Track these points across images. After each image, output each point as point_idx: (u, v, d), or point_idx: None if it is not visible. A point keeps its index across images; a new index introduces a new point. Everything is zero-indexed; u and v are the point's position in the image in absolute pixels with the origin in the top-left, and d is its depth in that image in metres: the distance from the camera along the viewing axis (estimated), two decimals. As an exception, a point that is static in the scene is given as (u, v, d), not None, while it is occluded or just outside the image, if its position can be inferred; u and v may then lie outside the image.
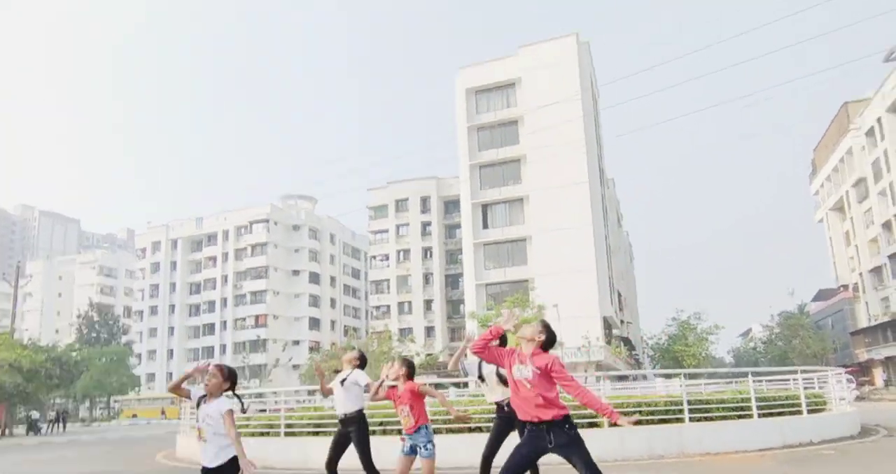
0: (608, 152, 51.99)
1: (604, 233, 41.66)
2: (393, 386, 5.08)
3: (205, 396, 4.17)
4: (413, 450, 4.93)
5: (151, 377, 70.28)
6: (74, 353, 53.04)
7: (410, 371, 5.12)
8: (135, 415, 50.48)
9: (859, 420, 12.24)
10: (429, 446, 4.90)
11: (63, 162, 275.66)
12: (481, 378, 5.37)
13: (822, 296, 64.34)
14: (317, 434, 10.62)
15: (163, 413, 48.84)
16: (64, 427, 35.37)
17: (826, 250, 63.45)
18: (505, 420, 5.13)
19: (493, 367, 5.02)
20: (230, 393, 4.22)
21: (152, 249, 74.81)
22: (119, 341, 59.72)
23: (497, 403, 5.30)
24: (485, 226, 43.22)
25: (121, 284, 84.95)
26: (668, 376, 29.30)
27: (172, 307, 72.42)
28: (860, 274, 53.33)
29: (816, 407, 11.49)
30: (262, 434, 11.12)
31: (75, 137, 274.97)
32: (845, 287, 57.92)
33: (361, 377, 5.62)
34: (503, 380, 4.89)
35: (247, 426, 11.51)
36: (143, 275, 75.26)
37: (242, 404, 4.76)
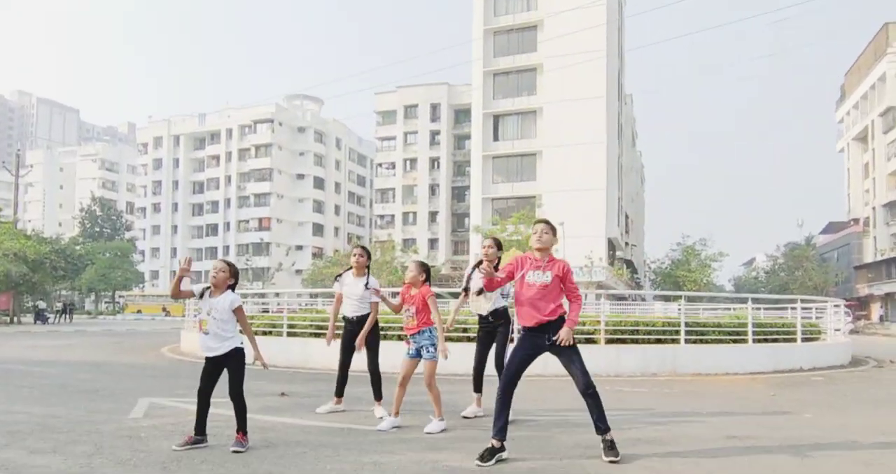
0: (627, 66, 49.51)
1: (617, 151, 40.71)
2: (407, 286, 5.15)
3: (209, 288, 4.31)
4: (418, 353, 5.00)
5: (155, 274, 72.01)
6: (78, 247, 53.97)
7: (427, 275, 5.16)
8: (139, 311, 51.99)
9: (851, 351, 12.32)
10: (431, 349, 4.96)
11: (61, 48, 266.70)
12: (466, 290, 5.45)
13: (831, 228, 63.97)
14: (317, 335, 10.72)
15: (164, 310, 50.19)
16: (70, 318, 36.51)
17: (842, 182, 62.29)
18: (489, 331, 5.53)
19: (479, 283, 4.71)
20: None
21: (154, 145, 73.99)
22: (122, 237, 60.49)
23: (481, 315, 5.52)
24: (495, 138, 42.17)
25: (123, 179, 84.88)
26: (666, 299, 29.78)
27: (175, 205, 72.76)
28: (873, 208, 52.62)
29: (811, 335, 11.51)
30: (265, 333, 11.24)
31: (73, 22, 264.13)
32: (856, 221, 57.42)
33: (375, 282, 5.80)
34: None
35: (252, 323, 11.61)
36: (145, 170, 74.98)
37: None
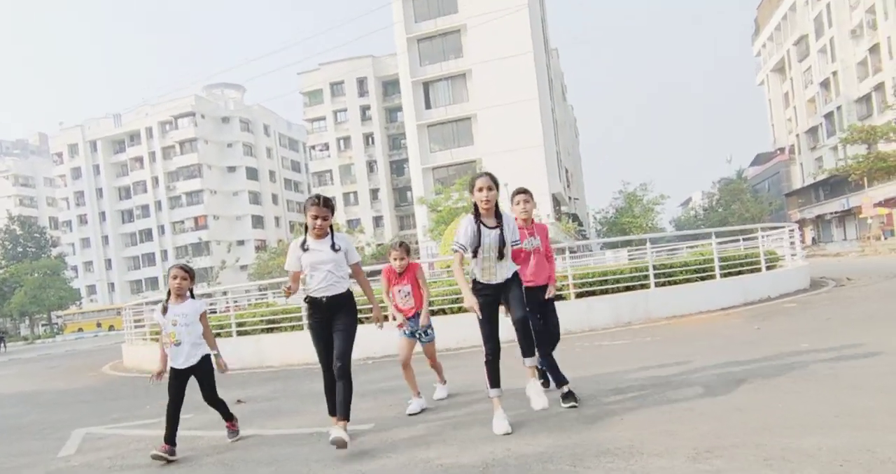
0: (550, 19, 49.15)
1: (550, 106, 40.47)
2: (390, 269, 4.81)
3: (167, 299, 4.28)
4: (413, 334, 4.74)
5: (92, 289, 68.12)
6: (1, 270, 50.08)
7: (408, 251, 4.81)
8: (80, 329, 48.95)
9: (810, 274, 12.47)
10: (429, 331, 4.76)
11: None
12: (475, 252, 4.38)
13: (759, 160, 66.49)
14: (270, 330, 9.96)
15: (110, 327, 47.49)
16: (5, 347, 33.94)
17: (765, 114, 64.57)
18: (495, 298, 4.32)
19: (494, 242, 3.92)
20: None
21: (70, 153, 69.11)
22: (49, 254, 56.40)
23: (488, 284, 4.50)
24: (427, 105, 41.15)
25: (41, 194, 79.04)
26: (615, 246, 30.04)
27: (103, 214, 68.61)
28: (797, 135, 54.81)
29: (772, 263, 11.53)
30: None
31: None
32: (782, 150, 59.81)
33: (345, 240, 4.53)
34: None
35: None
36: (63, 182, 70.10)
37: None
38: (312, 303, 4.01)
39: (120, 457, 4.38)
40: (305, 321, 4.18)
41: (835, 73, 46.07)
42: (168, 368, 4.28)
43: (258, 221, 66.94)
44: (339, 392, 3.85)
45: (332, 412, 3.95)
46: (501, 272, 3.87)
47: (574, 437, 3.43)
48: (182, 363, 4.23)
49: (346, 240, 4.12)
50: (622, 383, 4.79)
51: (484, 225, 3.80)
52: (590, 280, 9.36)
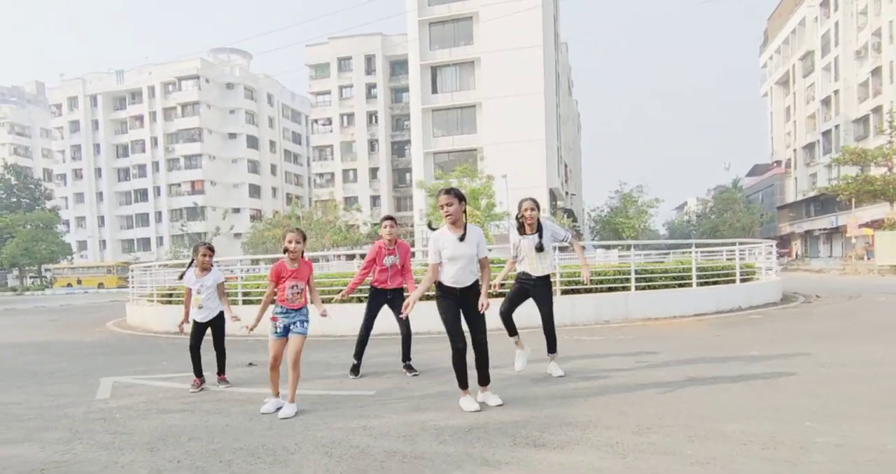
0: (562, 13, 49.40)
1: (555, 101, 40.95)
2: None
3: (188, 267, 5.62)
4: (287, 330, 4.56)
5: (83, 244, 68.35)
6: (-5, 219, 50.26)
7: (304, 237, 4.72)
8: (69, 285, 49.37)
9: (782, 288, 13.29)
10: (305, 323, 4.61)
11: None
12: (515, 257, 5.46)
13: (756, 171, 67.38)
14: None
15: (100, 285, 47.97)
16: (-7, 295, 34.37)
17: (766, 125, 65.31)
18: (529, 286, 5.39)
19: (532, 243, 5.25)
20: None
21: (69, 106, 68.78)
22: (43, 207, 56.50)
23: (529, 275, 5.37)
24: (434, 90, 41.49)
25: (37, 144, 78.70)
26: (607, 247, 30.80)
27: (99, 170, 68.58)
28: (794, 150, 55.66)
29: (747, 276, 12.31)
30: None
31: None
32: (779, 163, 60.68)
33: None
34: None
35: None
36: (61, 134, 69.86)
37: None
38: (447, 289, 4.36)
39: (153, 403, 5.07)
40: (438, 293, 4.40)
41: (836, 92, 46.79)
42: (190, 320, 5.68)
43: (255, 190, 67.23)
44: (479, 360, 4.38)
45: (463, 385, 4.38)
46: (539, 266, 5.34)
47: (545, 411, 4.16)
48: (203, 318, 5.62)
49: (480, 233, 4.37)
50: (592, 372, 5.54)
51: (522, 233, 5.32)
52: (576, 279, 10.07)
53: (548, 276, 5.38)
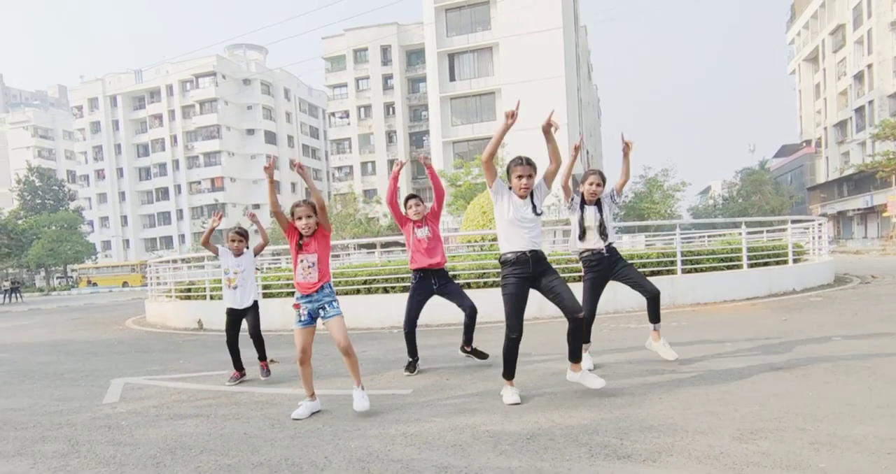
0: (582, -4, 48.07)
1: (576, 85, 39.89)
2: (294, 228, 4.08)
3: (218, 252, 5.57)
4: (313, 318, 3.97)
5: (107, 244, 68.99)
6: (20, 221, 50.81)
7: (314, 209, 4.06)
8: (94, 284, 49.78)
9: (834, 269, 12.41)
10: (335, 303, 3.97)
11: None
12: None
13: (784, 151, 65.27)
14: (292, 294, 10.09)
15: (124, 283, 48.26)
16: (20, 296, 34.70)
17: (794, 104, 63.17)
18: (604, 268, 4.88)
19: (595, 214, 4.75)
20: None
21: (90, 107, 69.28)
22: (67, 207, 57.05)
23: (593, 252, 4.83)
24: (451, 78, 40.70)
25: (60, 146, 79.58)
26: (630, 231, 29.89)
27: (120, 170, 69.07)
28: (825, 128, 53.68)
29: (797, 256, 11.47)
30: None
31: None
32: (808, 142, 58.64)
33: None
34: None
35: (220, 288, 10.88)
36: (83, 135, 70.46)
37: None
38: (516, 259, 3.90)
39: (165, 407, 4.54)
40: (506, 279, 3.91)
41: (870, 66, 44.85)
42: (225, 307, 5.48)
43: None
44: (574, 337, 3.95)
45: (510, 375, 3.99)
46: (600, 240, 4.75)
47: (616, 413, 3.51)
48: (238, 304, 5.39)
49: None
50: (656, 364, 4.87)
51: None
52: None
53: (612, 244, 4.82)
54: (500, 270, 6.65)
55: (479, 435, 3.27)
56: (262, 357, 5.51)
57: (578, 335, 3.93)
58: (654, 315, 4.84)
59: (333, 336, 3.93)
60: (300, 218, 4.02)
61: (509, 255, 3.92)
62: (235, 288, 5.39)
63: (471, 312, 5.21)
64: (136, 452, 3.38)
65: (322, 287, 3.97)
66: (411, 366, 5.26)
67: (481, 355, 5.41)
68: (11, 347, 9.61)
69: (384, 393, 4.50)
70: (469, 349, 5.41)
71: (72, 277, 55.28)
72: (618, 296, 9.00)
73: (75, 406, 4.76)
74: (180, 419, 4.11)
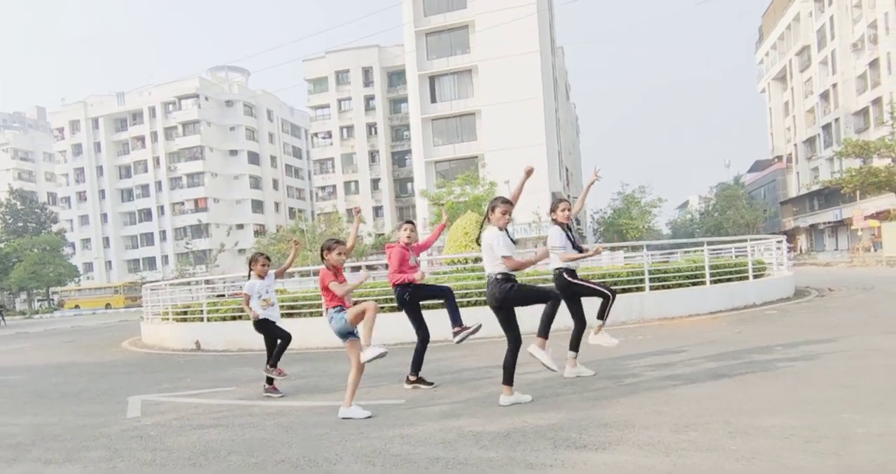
0: (557, 17, 49.67)
1: (554, 105, 41.11)
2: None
3: (249, 276, 6.17)
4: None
5: (89, 266, 68.48)
6: (2, 244, 50.47)
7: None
8: (77, 306, 49.54)
9: (794, 283, 13.28)
10: (331, 322, 4.73)
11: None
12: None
13: (757, 167, 67.30)
14: (290, 315, 10.62)
15: (107, 305, 48.09)
16: (4, 320, 34.62)
17: (765, 121, 65.34)
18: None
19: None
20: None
21: (71, 129, 69.26)
22: (49, 230, 56.75)
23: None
24: (433, 99, 41.73)
25: (40, 168, 79.15)
26: (612, 249, 30.78)
27: (102, 192, 68.91)
28: (795, 145, 55.67)
29: (759, 272, 12.31)
30: (233, 318, 11.03)
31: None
32: (780, 158, 60.65)
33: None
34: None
35: (216, 310, 11.40)
36: (64, 157, 70.32)
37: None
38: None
39: (186, 419, 5.10)
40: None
41: (835, 86, 46.87)
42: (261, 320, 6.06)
43: (258, 206, 67.42)
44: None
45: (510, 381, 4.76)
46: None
47: (579, 413, 4.18)
48: (275, 317, 6.12)
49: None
50: (619, 372, 5.57)
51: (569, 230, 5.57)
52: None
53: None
54: (483, 290, 7.31)
55: (464, 434, 3.91)
56: (274, 362, 6.01)
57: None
58: (575, 343, 5.77)
59: None
60: (340, 253, 4.80)
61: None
62: (272, 304, 6.07)
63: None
64: (173, 456, 3.96)
65: (328, 309, 4.80)
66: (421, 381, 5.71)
67: (426, 383, 5.72)
68: (18, 370, 10.02)
69: (381, 404, 5.11)
70: (414, 378, 5.73)
71: (53, 300, 54.81)
72: (589, 312, 9.69)
73: (102, 420, 5.30)
74: (203, 428, 4.69)
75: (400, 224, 5.92)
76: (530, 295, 4.78)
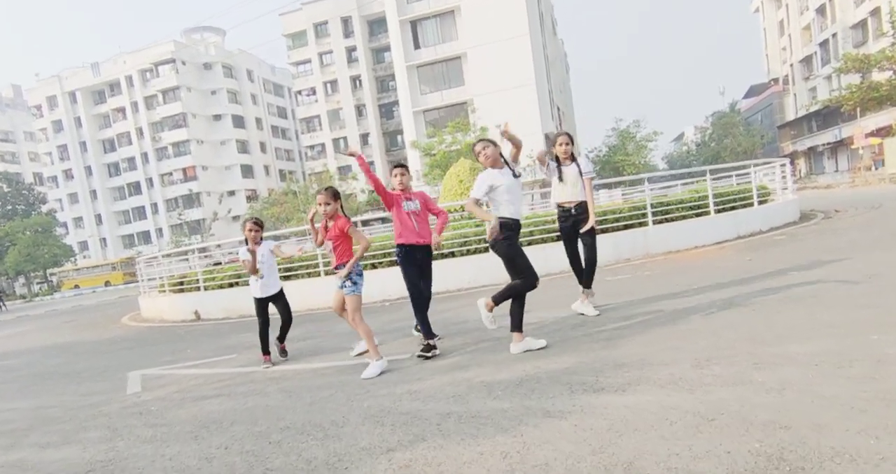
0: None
1: (541, 42, 39.75)
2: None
3: (247, 243, 5.56)
4: (343, 285, 4.72)
5: (84, 245, 68.12)
6: (-5, 229, 50.04)
7: (341, 203, 4.77)
8: (77, 286, 49.52)
9: (799, 207, 13.03)
10: (347, 283, 4.64)
11: None
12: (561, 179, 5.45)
13: (753, 92, 65.83)
14: (287, 278, 10.43)
15: (107, 282, 48.05)
16: (4, 305, 34.64)
17: (759, 44, 63.51)
18: (573, 223, 5.47)
19: (574, 171, 5.36)
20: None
21: (49, 105, 67.43)
22: (39, 211, 56.09)
23: (563, 207, 5.50)
24: (416, 45, 40.28)
25: (23, 149, 77.53)
26: (609, 186, 30.45)
27: (89, 168, 67.73)
28: (791, 65, 54.23)
29: (763, 198, 12.04)
30: (230, 285, 10.84)
31: None
32: (776, 81, 59.24)
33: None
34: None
35: (213, 278, 11.20)
36: (45, 135, 68.75)
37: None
38: (514, 224, 4.55)
39: (187, 391, 4.94)
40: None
41: (830, -1, 45.21)
42: (252, 297, 5.66)
43: (248, 170, 66.43)
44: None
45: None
46: (570, 192, 5.37)
47: (591, 355, 4.00)
48: (262, 293, 5.57)
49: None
50: (629, 311, 5.37)
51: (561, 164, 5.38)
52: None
53: (583, 203, 5.36)
54: (482, 238, 7.07)
55: (474, 386, 3.73)
56: (282, 339, 5.77)
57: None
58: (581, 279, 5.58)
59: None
60: (318, 204, 4.69)
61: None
62: (262, 277, 5.49)
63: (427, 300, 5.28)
64: (174, 430, 3.79)
65: (338, 265, 4.71)
66: (427, 348, 4.82)
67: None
68: (20, 353, 9.91)
69: (387, 359, 4.94)
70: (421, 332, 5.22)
71: (51, 282, 54.79)
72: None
73: (103, 399, 5.15)
74: (204, 400, 4.53)
75: (390, 169, 5.29)
76: (512, 261, 4.43)
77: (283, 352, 5.79)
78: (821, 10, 47.36)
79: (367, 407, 3.63)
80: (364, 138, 57.70)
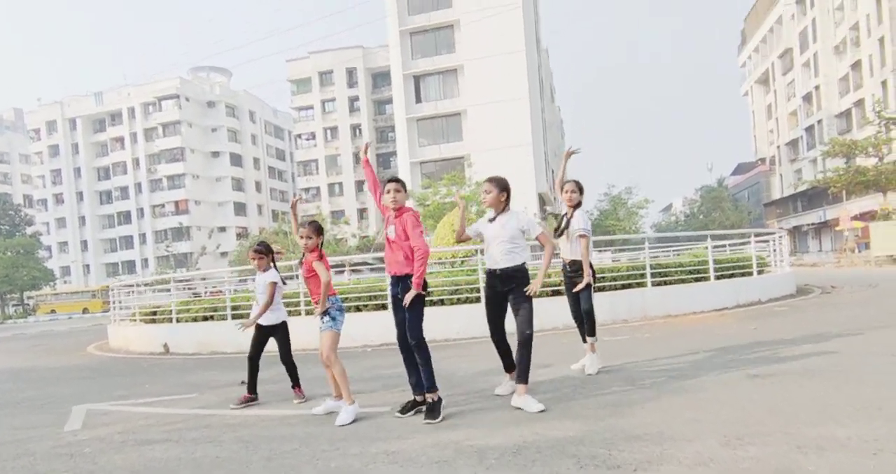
0: (543, 18, 49.34)
1: (539, 106, 40.63)
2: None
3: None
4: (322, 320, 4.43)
5: (66, 270, 66.61)
6: (-27, 247, 48.80)
7: (322, 240, 4.55)
8: (53, 311, 47.90)
9: (795, 281, 12.77)
10: (325, 319, 4.33)
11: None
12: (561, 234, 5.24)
13: (740, 169, 67.47)
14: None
15: (84, 310, 46.51)
16: (-26, 324, 33.20)
17: (748, 124, 65.57)
18: (571, 279, 5.33)
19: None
20: (272, 266, 5.18)
21: (48, 130, 67.47)
22: (23, 233, 54.99)
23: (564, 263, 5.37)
24: (417, 99, 40.99)
25: (16, 170, 76.96)
26: (597, 247, 30.22)
27: (80, 194, 67.14)
28: (778, 147, 55.80)
29: (761, 268, 11.77)
30: (204, 318, 10.21)
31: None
32: (763, 160, 60.81)
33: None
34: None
35: (188, 310, 10.58)
36: (40, 159, 68.46)
37: (280, 275, 5.22)
38: (488, 273, 4.43)
39: (131, 433, 4.33)
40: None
41: (817, 88, 47.00)
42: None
43: (240, 208, 66.12)
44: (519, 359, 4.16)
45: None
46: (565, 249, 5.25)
47: (599, 423, 3.49)
48: (264, 321, 5.13)
49: (520, 216, 4.49)
50: (634, 374, 4.89)
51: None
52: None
53: (577, 262, 5.16)
54: (475, 287, 6.64)
55: (463, 450, 3.20)
56: (295, 383, 5.21)
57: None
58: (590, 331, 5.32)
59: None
60: (301, 237, 4.48)
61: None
62: (258, 304, 5.19)
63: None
64: (103, 480, 3.20)
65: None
66: (408, 405, 4.22)
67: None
68: (-38, 378, 9.10)
69: (364, 411, 4.38)
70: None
71: (28, 305, 53.05)
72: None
73: (35, 435, 4.51)
74: (147, 444, 3.93)
75: (383, 184, 4.34)
76: (531, 311, 4.22)
77: (301, 396, 5.15)
78: (807, 98, 49.16)
79: (333, 468, 3.08)
80: (359, 185, 57.87)
